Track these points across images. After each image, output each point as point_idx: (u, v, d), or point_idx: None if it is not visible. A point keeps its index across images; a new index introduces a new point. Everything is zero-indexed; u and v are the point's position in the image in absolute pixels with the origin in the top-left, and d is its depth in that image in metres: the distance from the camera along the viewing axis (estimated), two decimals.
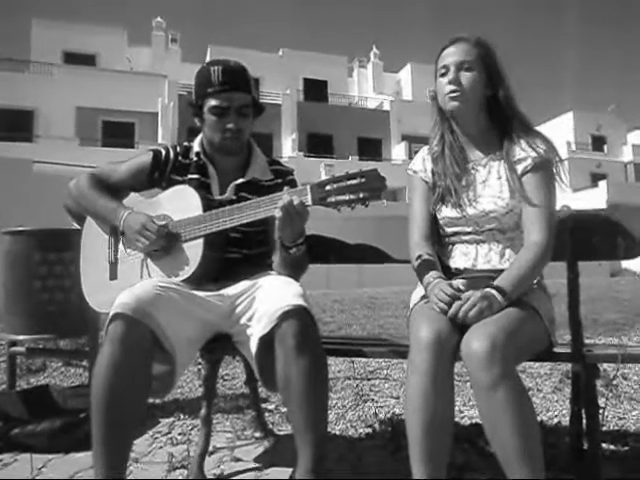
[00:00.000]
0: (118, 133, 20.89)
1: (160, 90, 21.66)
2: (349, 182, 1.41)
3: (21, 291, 2.43)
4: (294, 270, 1.60)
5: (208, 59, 23.05)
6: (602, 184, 25.30)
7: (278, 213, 1.43)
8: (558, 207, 1.56)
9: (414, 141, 23.58)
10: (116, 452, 1.33)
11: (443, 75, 1.52)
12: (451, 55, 1.51)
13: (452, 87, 1.48)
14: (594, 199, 24.47)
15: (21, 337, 2.43)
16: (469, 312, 1.27)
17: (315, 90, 25.47)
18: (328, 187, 1.43)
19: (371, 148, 24.41)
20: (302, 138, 23.32)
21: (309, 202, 1.45)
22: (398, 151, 24.57)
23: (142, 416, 1.53)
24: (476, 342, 1.19)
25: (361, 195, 1.40)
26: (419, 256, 1.51)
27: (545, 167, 1.48)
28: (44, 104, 20.05)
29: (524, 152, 1.49)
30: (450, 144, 1.57)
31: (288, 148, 22.97)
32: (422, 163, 1.65)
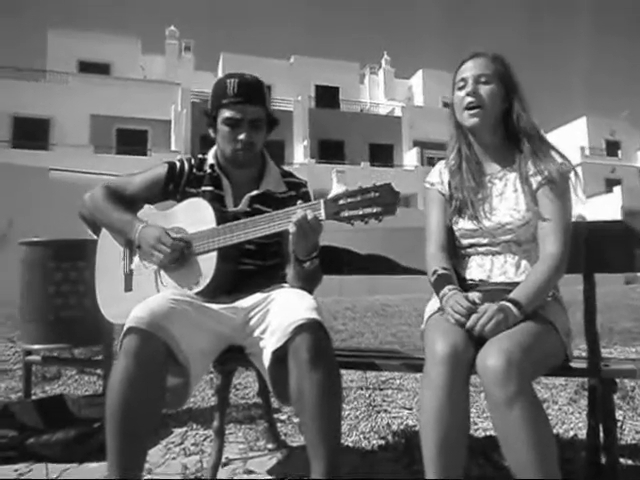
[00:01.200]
0: (132, 141, 21.10)
1: (173, 98, 21.86)
2: (363, 197, 1.41)
3: (37, 300, 2.46)
4: (308, 283, 1.61)
5: (221, 67, 23.31)
6: (617, 189, 25.03)
7: (292, 228, 1.43)
8: (573, 217, 1.56)
9: (426, 147, 23.54)
10: (131, 464, 1.34)
11: (461, 88, 1.53)
12: (469, 69, 1.53)
13: (470, 99, 1.49)
14: (608, 205, 24.22)
15: (37, 346, 2.46)
16: (486, 326, 1.27)
17: (326, 97, 25.54)
18: (341, 202, 1.43)
19: (383, 154, 24.39)
20: (313, 145, 23.37)
21: (322, 217, 1.45)
22: (410, 157, 24.52)
23: (156, 428, 1.54)
24: (492, 358, 1.18)
25: (375, 210, 1.40)
26: (435, 271, 1.51)
27: (561, 180, 1.48)
28: (59, 112, 20.34)
29: (539, 165, 1.49)
30: (467, 157, 1.58)
31: (300, 155, 23.03)
32: (439, 176, 1.65)
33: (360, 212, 1.40)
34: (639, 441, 2.12)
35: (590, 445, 1.74)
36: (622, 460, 1.86)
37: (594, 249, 1.71)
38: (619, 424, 1.55)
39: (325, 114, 23.93)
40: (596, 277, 1.71)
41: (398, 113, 25.37)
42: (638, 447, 2.04)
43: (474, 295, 1.36)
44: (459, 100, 1.53)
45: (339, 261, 1.99)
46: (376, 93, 28.43)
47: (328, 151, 23.43)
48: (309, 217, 1.43)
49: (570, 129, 29.28)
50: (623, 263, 1.73)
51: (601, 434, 1.58)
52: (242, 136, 1.64)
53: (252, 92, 1.66)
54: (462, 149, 1.59)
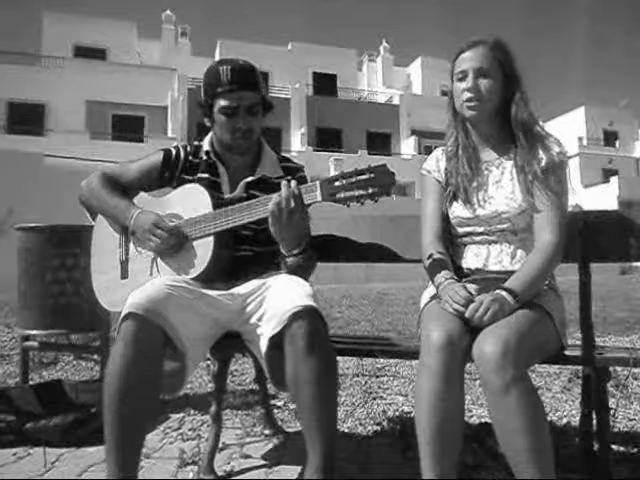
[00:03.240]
0: (128, 127, 20.95)
1: (170, 84, 21.70)
2: (358, 178, 1.42)
3: (34, 286, 2.46)
4: (299, 274, 1.59)
5: (218, 53, 23.11)
6: (614, 180, 25.06)
7: (270, 204, 1.46)
8: (570, 207, 1.56)
9: (424, 136, 23.48)
10: (128, 449, 1.35)
11: (460, 80, 1.51)
12: (469, 60, 1.50)
13: (470, 95, 1.48)
14: (605, 195, 24.27)
15: (34, 332, 2.47)
16: (483, 316, 1.27)
17: (324, 84, 25.38)
18: (337, 183, 1.43)
19: (380, 142, 24.32)
20: (311, 132, 23.27)
21: (319, 198, 1.46)
22: (407, 146, 24.45)
23: (154, 413, 1.55)
24: (489, 345, 1.19)
25: (370, 191, 1.41)
26: (430, 255, 1.52)
27: (557, 169, 1.49)
28: (55, 98, 20.16)
29: (535, 156, 1.49)
30: (464, 145, 1.57)
31: (297, 142, 22.94)
32: (436, 163, 1.65)
33: (356, 193, 1.41)
34: (631, 428, 2.15)
35: (583, 432, 1.76)
36: (614, 447, 1.88)
37: (590, 238, 1.72)
38: (612, 412, 1.57)
39: (323, 102, 23.80)
40: (592, 267, 1.72)
41: (396, 101, 25.24)
42: (630, 434, 2.07)
43: (471, 287, 1.37)
44: (458, 92, 1.52)
45: (336, 249, 2.00)
46: (374, 81, 28.26)
47: (325, 139, 23.34)
48: (285, 194, 1.44)
49: (568, 119, 29.23)
50: (619, 252, 1.74)
51: (594, 421, 1.60)
52: (240, 124, 1.64)
53: (246, 78, 1.64)
54: (459, 137, 1.58)
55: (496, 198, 1.52)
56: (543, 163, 1.48)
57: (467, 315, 1.29)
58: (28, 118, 19.76)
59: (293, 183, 1.49)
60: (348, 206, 1.46)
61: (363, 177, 1.42)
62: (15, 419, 2.03)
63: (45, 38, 22.37)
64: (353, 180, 1.42)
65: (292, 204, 1.46)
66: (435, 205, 1.61)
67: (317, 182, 1.47)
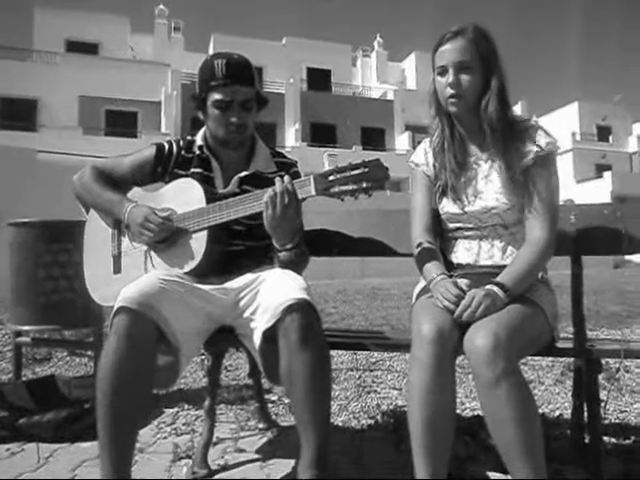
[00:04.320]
0: (121, 122, 20.85)
1: (163, 79, 21.58)
2: (352, 172, 1.42)
3: (26, 282, 2.45)
4: (292, 268, 1.58)
5: (211, 48, 22.98)
6: (607, 175, 25.18)
7: (265, 198, 1.47)
8: (562, 201, 1.56)
9: (418, 131, 23.45)
10: (122, 444, 1.34)
11: (441, 74, 1.48)
12: (449, 53, 1.45)
13: (452, 91, 1.46)
14: (599, 190, 24.38)
15: (26, 327, 2.45)
16: (474, 312, 1.28)
17: (319, 79, 25.32)
18: (331, 177, 1.44)
19: (375, 138, 24.31)
20: (305, 128, 23.23)
21: (313, 193, 1.46)
22: (402, 141, 24.46)
23: (147, 408, 1.55)
24: (479, 339, 1.20)
25: (364, 185, 1.41)
26: (420, 243, 1.52)
27: (547, 161, 1.47)
28: (47, 93, 20.02)
29: (524, 146, 1.47)
30: (450, 138, 1.55)
31: (291, 138, 22.89)
32: (424, 156, 1.63)
33: (350, 187, 1.42)
34: (622, 420, 2.17)
35: (575, 424, 1.77)
36: (605, 438, 1.90)
37: (582, 232, 1.72)
38: (603, 404, 1.58)
39: (317, 97, 23.76)
40: (585, 261, 1.72)
41: (390, 97, 25.23)
42: (621, 426, 2.08)
43: (462, 282, 1.37)
44: (441, 87, 1.49)
45: (330, 243, 2.00)
46: (368, 76, 28.22)
47: (320, 134, 23.31)
48: (279, 189, 1.44)
49: (562, 114, 29.30)
50: (610, 246, 1.75)
51: (586, 414, 1.62)
52: (234, 119, 1.63)
53: (241, 72, 1.64)
54: (445, 130, 1.55)
55: (485, 193, 1.51)
56: (531, 156, 1.46)
57: (457, 312, 1.29)
58: (21, 114, 19.63)
59: (287, 178, 1.49)
60: (342, 200, 1.46)
61: (357, 171, 1.42)
62: (8, 415, 2.02)
63: (37, 33, 22.19)
64: (347, 174, 1.42)
65: (286, 199, 1.46)
66: (424, 198, 1.60)
67: (311, 176, 1.47)
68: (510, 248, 1.51)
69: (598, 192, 24.04)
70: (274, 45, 25.03)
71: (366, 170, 1.41)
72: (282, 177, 1.50)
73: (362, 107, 24.24)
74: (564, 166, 24.79)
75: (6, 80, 19.18)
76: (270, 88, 21.67)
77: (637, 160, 28.47)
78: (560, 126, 26.43)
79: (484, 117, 1.46)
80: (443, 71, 1.48)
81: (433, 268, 1.45)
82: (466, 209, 1.52)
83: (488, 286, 1.33)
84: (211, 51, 22.58)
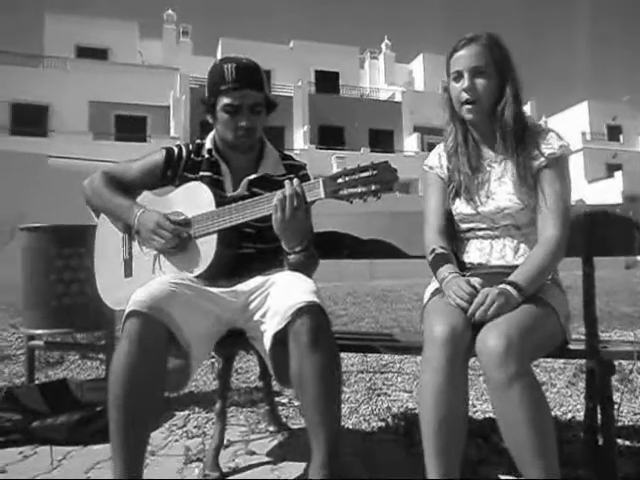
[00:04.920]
0: (130, 127, 20.99)
1: (172, 83, 21.71)
2: (361, 175, 1.42)
3: (38, 286, 2.47)
4: (301, 271, 1.59)
5: (219, 52, 23.11)
6: (618, 174, 24.97)
7: (274, 201, 1.47)
8: (573, 201, 1.56)
9: (426, 132, 23.41)
10: (133, 446, 1.35)
11: (456, 79, 1.50)
12: (464, 59, 1.48)
13: (467, 96, 1.47)
14: (610, 189, 24.18)
15: (39, 331, 2.48)
16: (488, 311, 1.27)
17: (326, 82, 25.36)
18: (340, 180, 1.44)
19: (383, 140, 24.29)
20: (313, 130, 23.26)
21: (322, 195, 1.46)
22: (410, 143, 24.41)
23: (158, 411, 1.56)
24: (492, 340, 1.19)
25: (373, 187, 1.41)
26: (433, 249, 1.52)
27: (559, 163, 1.48)
28: (58, 99, 20.21)
29: (537, 149, 1.48)
30: (464, 142, 1.56)
31: (299, 140, 22.92)
32: (438, 159, 1.64)
33: (359, 190, 1.42)
34: (636, 422, 2.15)
35: (588, 427, 1.75)
36: (619, 441, 1.88)
37: (593, 232, 1.71)
38: (617, 406, 1.56)
39: (325, 99, 23.79)
40: (597, 262, 1.71)
41: (398, 98, 25.21)
42: (635, 428, 2.06)
43: (475, 280, 1.37)
44: (456, 92, 1.51)
45: (340, 246, 2.00)
46: (376, 78, 28.22)
47: (328, 137, 23.33)
48: (288, 192, 1.45)
49: (571, 114, 29.10)
50: (622, 246, 1.73)
51: (599, 416, 1.60)
52: (243, 122, 1.64)
53: (250, 77, 1.64)
54: (459, 133, 1.57)
55: (498, 194, 1.51)
56: (544, 158, 1.47)
57: (471, 309, 1.29)
58: (31, 119, 19.82)
59: (296, 181, 1.50)
60: (351, 203, 1.46)
61: (365, 174, 1.42)
62: (21, 418, 2.04)
63: (47, 39, 22.43)
64: (356, 177, 1.43)
65: (295, 202, 1.47)
66: (437, 201, 1.61)
67: (320, 179, 1.47)
68: (522, 248, 1.51)
69: (609, 192, 23.84)
70: (282, 48, 25.11)
71: (375, 172, 1.41)
72: (291, 180, 1.50)
73: (370, 109, 24.23)
74: (575, 166, 24.61)
75: (17, 86, 19.40)
76: (278, 91, 21.72)
77: None
78: (570, 126, 26.26)
79: (500, 123, 1.48)
80: (458, 76, 1.49)
81: (446, 268, 1.45)
82: (479, 209, 1.52)
83: (501, 285, 1.33)
84: (219, 55, 22.72)
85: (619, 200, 22.02)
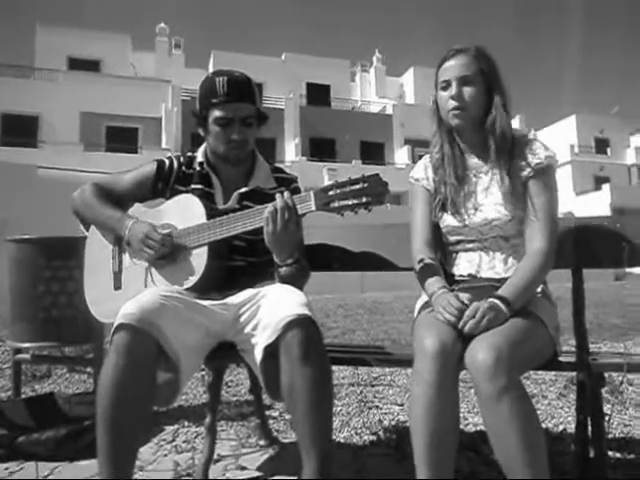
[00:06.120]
0: (122, 138, 20.97)
1: (164, 95, 21.76)
2: (352, 187, 1.43)
3: (26, 298, 2.44)
4: (293, 283, 1.58)
5: (211, 64, 23.21)
6: (605, 187, 25.27)
7: (266, 213, 1.47)
8: (562, 214, 1.57)
9: (417, 145, 23.60)
10: (121, 461, 1.33)
11: (444, 89, 1.52)
12: (452, 69, 1.51)
13: (455, 103, 1.49)
14: (598, 202, 24.45)
15: (26, 344, 2.44)
16: (477, 325, 1.28)
17: (318, 94, 25.53)
18: (331, 192, 1.44)
19: (374, 152, 24.43)
20: (305, 142, 23.36)
21: (313, 208, 1.46)
22: (401, 155, 24.58)
23: (147, 425, 1.54)
24: (481, 353, 1.19)
25: (364, 200, 1.42)
26: (421, 259, 1.52)
27: (546, 173, 1.49)
28: (48, 110, 20.16)
29: (524, 160, 1.49)
30: (451, 153, 1.57)
31: (291, 152, 23.01)
32: (424, 171, 1.65)
33: (350, 202, 1.42)
34: (627, 434, 2.15)
35: (579, 439, 1.75)
36: (610, 453, 1.88)
37: (582, 244, 1.72)
38: (607, 418, 1.57)
39: (316, 112, 23.93)
40: (586, 274, 1.72)
41: (389, 111, 25.42)
42: (626, 440, 2.06)
43: (464, 296, 1.37)
44: (443, 101, 1.53)
45: (331, 258, 2.00)
46: (367, 91, 28.46)
47: (319, 149, 23.43)
48: (279, 204, 1.45)
49: (560, 127, 29.48)
50: (611, 259, 1.74)
51: (590, 428, 1.60)
52: (235, 135, 1.64)
53: (242, 90, 1.65)
54: (445, 145, 1.58)
55: (486, 205, 1.52)
56: (530, 169, 1.48)
57: (461, 323, 1.29)
58: (22, 130, 19.75)
59: (287, 194, 1.50)
60: (342, 215, 1.46)
61: (357, 186, 1.43)
62: (7, 433, 2.00)
63: (39, 50, 22.44)
64: (347, 189, 1.43)
65: (286, 214, 1.47)
66: (424, 213, 1.61)
67: (311, 192, 1.48)
68: (511, 260, 1.52)
69: (597, 204, 24.11)
70: (273, 61, 25.29)
71: (365, 185, 1.42)
72: (282, 193, 1.51)
73: (361, 121, 24.41)
74: (563, 178, 24.88)
75: (8, 97, 19.36)
76: (270, 104, 21.82)
77: (635, 172, 28.58)
78: (558, 139, 26.59)
79: (491, 132, 1.50)
80: (446, 85, 1.51)
81: (434, 282, 1.45)
82: (467, 222, 1.53)
83: (490, 299, 1.33)
84: (211, 67, 22.81)
85: (607, 213, 22.28)
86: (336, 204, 1.43)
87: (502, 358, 1.17)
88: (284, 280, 1.59)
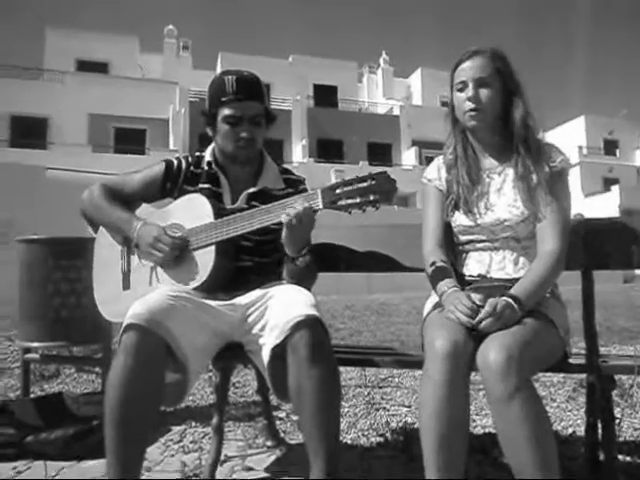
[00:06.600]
0: (130, 140, 21.07)
1: (171, 97, 21.84)
2: (359, 185, 1.42)
3: (35, 298, 2.45)
4: (302, 280, 1.60)
5: (219, 66, 23.27)
6: (615, 189, 25.09)
7: (285, 218, 1.44)
8: (572, 215, 1.56)
9: (424, 146, 23.54)
10: (129, 461, 1.33)
11: (461, 90, 1.52)
12: (469, 70, 1.50)
13: (472, 105, 1.49)
14: (607, 204, 24.27)
15: (35, 344, 2.45)
16: (490, 324, 1.27)
17: (325, 96, 25.53)
18: (339, 190, 1.43)
19: (381, 153, 24.39)
20: (312, 144, 23.36)
21: (320, 206, 1.45)
22: (408, 156, 24.52)
23: (155, 425, 1.54)
24: (493, 353, 1.18)
25: (372, 197, 1.40)
26: (433, 262, 1.52)
27: (560, 176, 1.49)
28: (57, 111, 20.29)
29: (536, 164, 1.49)
30: (464, 154, 1.57)
31: (298, 154, 23.02)
32: (437, 172, 1.65)
33: (357, 200, 1.41)
34: (637, 438, 2.13)
35: (588, 442, 1.74)
36: (620, 457, 1.86)
37: (592, 246, 1.71)
38: (617, 421, 1.55)
39: (324, 113, 23.93)
40: (595, 276, 1.71)
41: (396, 112, 25.37)
42: (636, 443, 2.04)
43: (475, 296, 1.36)
44: (459, 102, 1.53)
45: (337, 258, 1.99)
46: (374, 92, 28.42)
47: (327, 150, 23.42)
48: (299, 208, 1.44)
49: (568, 128, 29.29)
50: (621, 260, 1.73)
51: (599, 431, 1.59)
52: (244, 134, 1.64)
53: (251, 89, 1.66)
54: (458, 146, 1.58)
55: (498, 206, 1.52)
56: (546, 170, 1.48)
57: (478, 319, 1.28)
58: (31, 131, 19.89)
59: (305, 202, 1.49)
60: (350, 213, 1.45)
61: (364, 184, 1.42)
62: (15, 432, 2.01)
63: (48, 52, 22.59)
64: (354, 187, 1.42)
65: (307, 219, 1.46)
66: (436, 213, 1.61)
67: (318, 189, 1.47)
68: (522, 261, 1.51)
69: (606, 206, 23.93)
70: (281, 62, 25.30)
71: (373, 182, 1.41)
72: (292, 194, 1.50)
73: (368, 123, 24.38)
74: (572, 180, 24.60)
75: (17, 99, 19.51)
76: (277, 105, 21.85)
77: None
78: (567, 140, 26.41)
79: (517, 130, 1.50)
80: (463, 87, 1.51)
81: (445, 282, 1.45)
82: (478, 221, 1.52)
83: (502, 298, 1.32)
84: (219, 69, 22.88)
85: (616, 214, 22.09)
86: (343, 202, 1.42)
87: (513, 359, 1.16)
88: (299, 272, 1.58)
